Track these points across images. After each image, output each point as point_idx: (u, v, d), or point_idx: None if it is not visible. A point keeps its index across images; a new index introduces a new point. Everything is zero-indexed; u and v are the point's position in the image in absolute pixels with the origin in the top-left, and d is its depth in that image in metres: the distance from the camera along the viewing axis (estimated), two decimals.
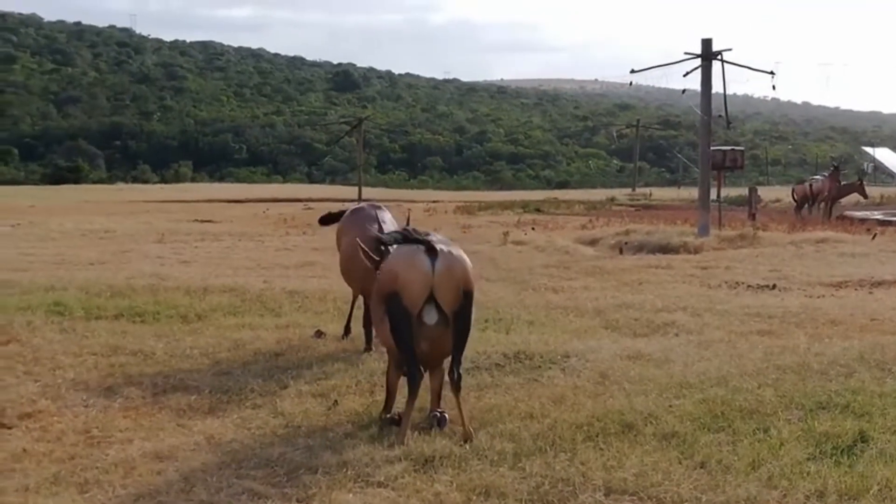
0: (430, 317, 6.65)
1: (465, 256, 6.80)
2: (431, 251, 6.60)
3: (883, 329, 10.12)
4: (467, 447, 6.33)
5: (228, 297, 12.84)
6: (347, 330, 10.29)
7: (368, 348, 9.55)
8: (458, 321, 6.69)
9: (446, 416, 7.00)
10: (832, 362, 8.32)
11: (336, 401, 7.58)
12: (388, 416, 7.09)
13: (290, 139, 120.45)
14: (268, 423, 7.10)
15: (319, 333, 10.21)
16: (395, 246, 7.09)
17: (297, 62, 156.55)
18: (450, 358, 6.77)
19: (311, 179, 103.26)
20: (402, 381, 6.92)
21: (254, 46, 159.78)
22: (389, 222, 9.71)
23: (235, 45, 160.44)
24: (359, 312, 10.08)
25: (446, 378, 6.87)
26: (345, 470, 6.00)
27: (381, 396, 7.52)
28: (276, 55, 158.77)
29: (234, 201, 44.07)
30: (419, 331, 6.63)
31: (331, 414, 7.25)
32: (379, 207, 10.08)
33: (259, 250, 20.99)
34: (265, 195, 50.89)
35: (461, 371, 6.78)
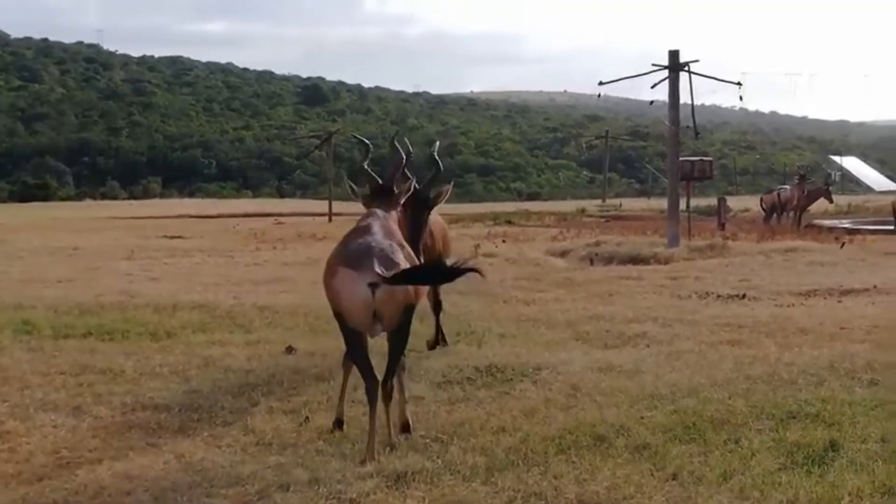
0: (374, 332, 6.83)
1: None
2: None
3: (852, 337, 10.15)
4: (440, 462, 6.32)
5: (198, 313, 12.73)
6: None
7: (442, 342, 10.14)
8: (396, 335, 6.81)
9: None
10: (802, 371, 8.36)
11: (307, 417, 7.55)
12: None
13: (259, 153, 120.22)
14: (238, 440, 7.05)
15: (290, 349, 10.17)
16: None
17: (266, 76, 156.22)
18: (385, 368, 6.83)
19: (282, 194, 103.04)
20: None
21: (222, 61, 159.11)
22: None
23: (204, 59, 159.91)
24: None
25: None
26: (317, 487, 5.96)
27: (353, 412, 7.52)
28: (245, 69, 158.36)
29: (204, 217, 43.90)
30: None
31: (302, 431, 7.21)
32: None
33: (229, 266, 20.90)
34: (235, 210, 50.76)
35: (394, 382, 6.90)
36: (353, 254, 6.74)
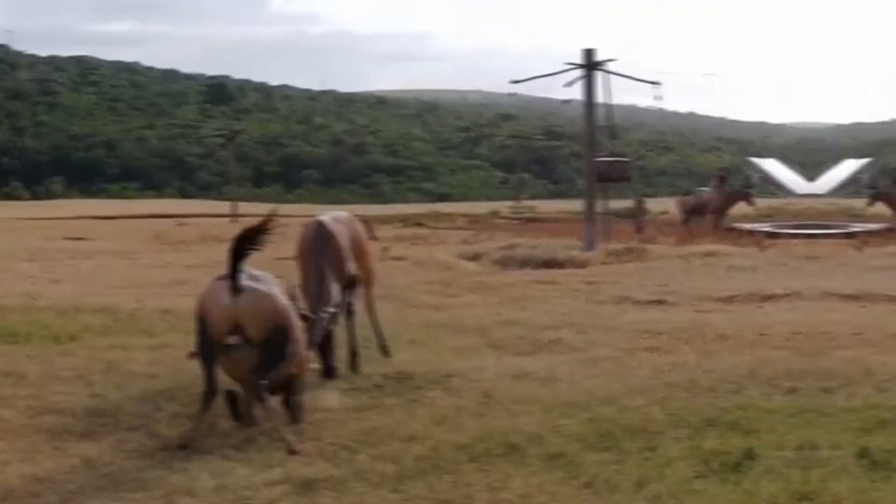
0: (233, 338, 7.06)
1: (275, 293, 7.21)
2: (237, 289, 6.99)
3: (772, 344, 10.18)
4: (348, 470, 6.13)
5: (101, 316, 12.46)
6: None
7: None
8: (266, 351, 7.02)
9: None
10: (721, 378, 8.34)
11: (213, 423, 7.30)
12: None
13: (163, 153, 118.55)
14: (144, 445, 6.88)
15: (193, 354, 9.85)
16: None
17: (170, 75, 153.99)
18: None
19: (185, 194, 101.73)
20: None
21: (128, 60, 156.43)
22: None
23: (110, 59, 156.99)
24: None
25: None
26: (223, 493, 5.85)
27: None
28: (151, 68, 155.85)
29: (107, 218, 43.07)
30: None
31: (207, 437, 6.98)
32: (338, 221, 9.74)
33: (131, 268, 20.49)
34: (138, 211, 49.92)
35: (262, 395, 7.00)
36: None
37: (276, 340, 7.07)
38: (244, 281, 7.06)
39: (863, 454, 6.19)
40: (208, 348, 7.17)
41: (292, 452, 6.59)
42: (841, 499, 5.51)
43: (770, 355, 9.37)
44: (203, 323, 7.21)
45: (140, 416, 7.59)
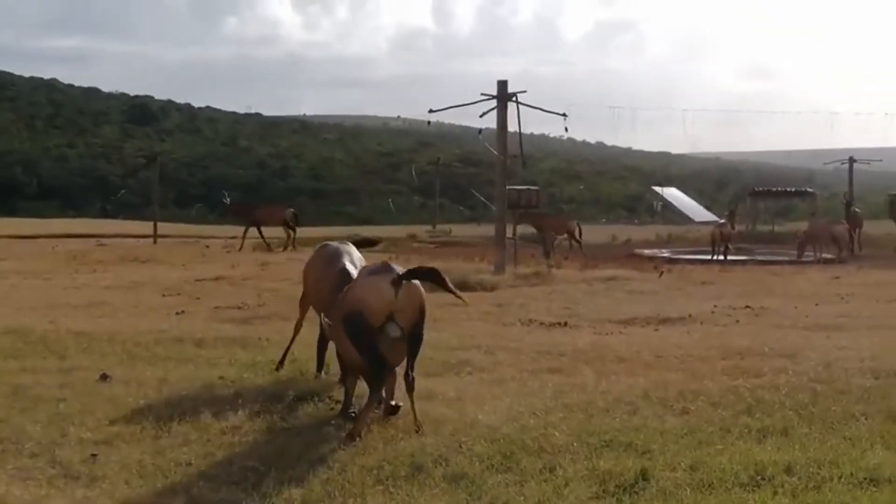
0: (394, 331, 7.70)
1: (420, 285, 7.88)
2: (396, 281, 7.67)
3: (667, 366, 10.42)
4: (255, 494, 6.21)
5: (10, 338, 12.24)
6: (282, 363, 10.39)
7: (319, 373, 9.85)
8: (414, 334, 7.79)
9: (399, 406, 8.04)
10: (617, 400, 8.55)
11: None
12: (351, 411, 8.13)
13: (83, 172, 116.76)
14: (45, 473, 6.80)
15: (105, 377, 9.85)
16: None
17: (92, 93, 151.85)
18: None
19: (106, 214, 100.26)
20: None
21: (46, 77, 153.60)
22: (355, 253, 9.85)
23: (27, 75, 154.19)
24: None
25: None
26: None
27: (166, 442, 7.41)
28: (70, 86, 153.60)
29: (22, 237, 42.28)
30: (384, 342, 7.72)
31: (111, 462, 6.98)
32: (344, 243, 10.18)
33: (45, 289, 20.17)
34: (55, 231, 48.98)
35: (414, 375, 7.82)
36: None
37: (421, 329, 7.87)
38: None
39: (754, 473, 6.45)
40: (370, 339, 7.73)
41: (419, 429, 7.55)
42: None
43: (664, 377, 9.60)
44: (362, 316, 7.71)
45: (43, 443, 7.46)
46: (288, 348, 10.51)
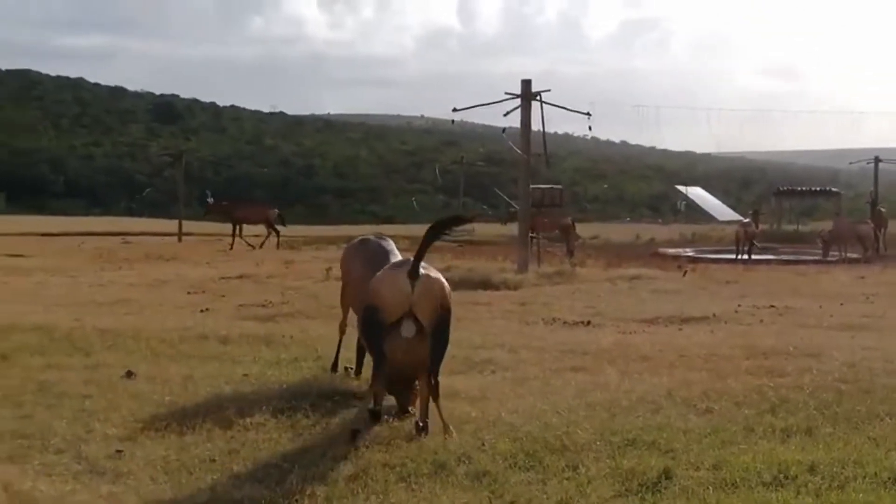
0: (408, 330, 7.47)
1: (442, 279, 7.74)
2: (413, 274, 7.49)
3: (690, 365, 10.39)
4: (278, 490, 6.24)
5: (36, 335, 12.31)
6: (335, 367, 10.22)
7: (357, 373, 9.78)
8: (436, 335, 7.51)
9: (428, 423, 7.58)
10: (640, 399, 8.54)
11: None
12: (374, 407, 7.83)
13: (109, 171, 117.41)
14: (70, 468, 6.82)
15: (130, 374, 9.92)
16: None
17: (118, 92, 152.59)
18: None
19: (132, 212, 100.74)
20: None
21: (72, 76, 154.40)
22: (396, 252, 9.54)
23: (54, 73, 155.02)
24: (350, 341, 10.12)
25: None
26: None
27: (190, 439, 7.47)
28: (97, 85, 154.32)
29: (49, 235, 42.56)
30: (398, 342, 7.48)
31: (137, 459, 7.02)
32: (384, 239, 9.86)
33: (72, 286, 20.30)
34: (82, 228, 49.30)
35: (438, 379, 7.60)
36: None
37: (444, 326, 7.60)
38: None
39: (778, 472, 6.44)
40: (380, 335, 7.57)
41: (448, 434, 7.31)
42: None
43: (688, 376, 9.57)
44: (377, 310, 7.58)
45: (69, 439, 7.51)
46: (338, 351, 10.31)
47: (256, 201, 41.59)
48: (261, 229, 38.61)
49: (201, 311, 15.45)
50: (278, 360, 10.70)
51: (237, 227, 36.20)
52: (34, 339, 12.03)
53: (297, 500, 6.09)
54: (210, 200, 39.68)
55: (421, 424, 7.60)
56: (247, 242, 35.42)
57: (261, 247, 34.50)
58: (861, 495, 5.99)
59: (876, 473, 6.40)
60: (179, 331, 12.69)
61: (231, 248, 34.26)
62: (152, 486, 6.45)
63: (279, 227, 37.30)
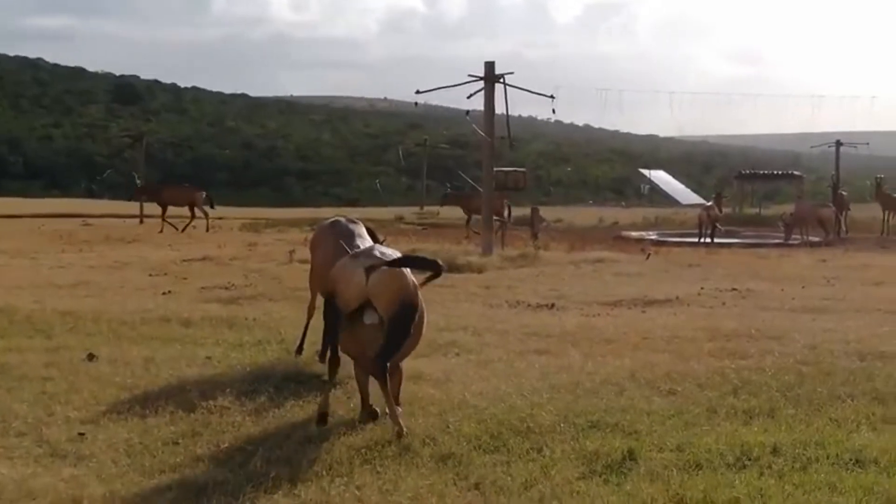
0: (370, 317, 7.34)
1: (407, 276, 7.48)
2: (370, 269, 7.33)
3: (653, 347, 10.45)
4: (242, 473, 6.22)
5: None
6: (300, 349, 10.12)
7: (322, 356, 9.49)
8: (391, 327, 7.27)
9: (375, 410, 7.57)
10: (604, 381, 8.57)
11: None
12: (365, 412, 7.60)
13: (69, 152, 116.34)
14: (31, 452, 6.80)
15: (91, 356, 9.83)
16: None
17: (77, 73, 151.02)
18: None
19: (92, 194, 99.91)
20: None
21: (31, 56, 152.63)
22: (365, 236, 9.51)
23: (12, 53, 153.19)
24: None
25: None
26: (113, 500, 5.84)
27: (153, 421, 7.43)
28: (56, 65, 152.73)
29: (8, 216, 42.11)
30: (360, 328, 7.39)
31: (99, 442, 6.97)
32: (354, 222, 9.79)
33: (32, 268, 20.11)
34: (42, 210, 48.87)
35: (382, 364, 7.20)
36: None
37: (402, 321, 7.34)
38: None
39: (741, 454, 6.48)
40: (336, 322, 7.50)
41: (400, 435, 6.96)
42: (717, 500, 5.74)
43: (651, 358, 9.63)
44: (333, 296, 7.54)
45: (30, 422, 7.47)
46: (304, 334, 10.23)
47: (183, 184, 41.59)
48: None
49: (163, 293, 15.34)
50: (241, 343, 10.66)
51: (164, 209, 36.12)
52: None
53: (261, 483, 6.04)
54: (138, 183, 39.78)
55: (368, 412, 7.60)
56: (171, 224, 35.24)
57: (183, 230, 34.29)
58: (823, 476, 6.03)
59: (838, 455, 6.45)
60: (141, 313, 12.61)
61: (161, 231, 34.05)
62: (114, 468, 6.41)
63: (208, 210, 37.16)
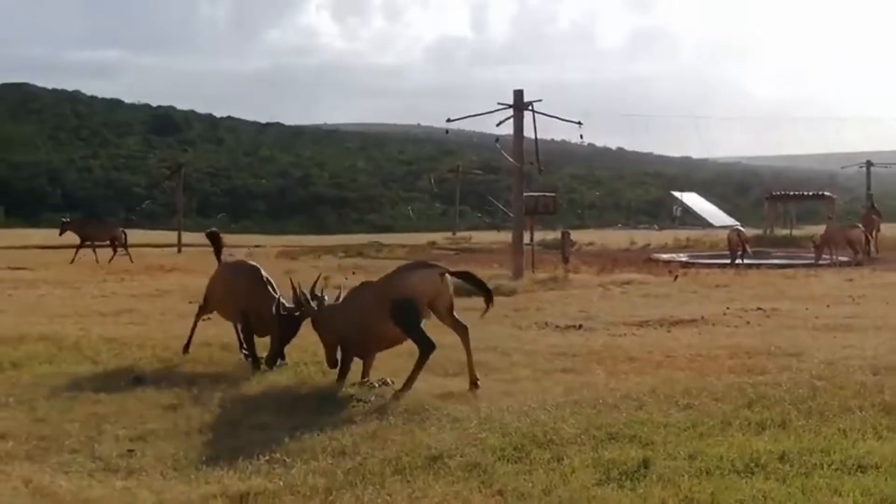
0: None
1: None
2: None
3: (676, 365, 10.83)
4: (281, 483, 6.65)
5: (44, 345, 12.74)
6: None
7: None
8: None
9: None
10: (625, 396, 8.96)
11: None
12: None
13: (107, 183, 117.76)
14: (85, 466, 7.26)
15: (137, 380, 10.33)
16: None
17: (114, 104, 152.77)
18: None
19: (130, 224, 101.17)
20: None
21: (69, 89, 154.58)
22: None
23: (50, 87, 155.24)
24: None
25: None
26: None
27: (197, 438, 7.94)
28: (94, 98, 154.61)
29: (49, 247, 42.87)
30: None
31: (148, 457, 7.43)
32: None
33: (75, 297, 20.67)
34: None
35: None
36: None
37: None
38: None
39: (749, 461, 6.86)
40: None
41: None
42: (723, 502, 6.12)
43: (672, 375, 10.01)
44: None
45: (83, 440, 7.92)
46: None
47: (105, 220, 42.68)
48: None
49: (203, 319, 15.80)
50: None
51: (88, 242, 36.95)
52: (42, 349, 12.45)
53: (299, 491, 6.48)
54: (65, 220, 41.18)
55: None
56: (95, 258, 35.85)
57: (109, 262, 34.94)
58: (825, 481, 6.39)
59: (842, 461, 6.80)
60: (183, 339, 13.07)
61: (72, 262, 34.61)
62: (163, 481, 6.85)
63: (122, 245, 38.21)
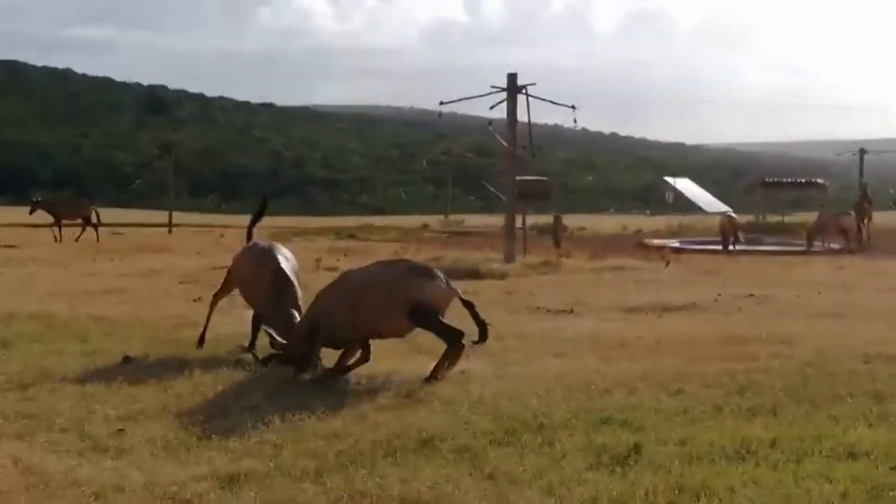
0: None
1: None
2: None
3: (667, 351, 10.79)
4: (272, 465, 6.64)
5: (34, 323, 12.76)
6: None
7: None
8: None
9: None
10: (617, 381, 8.94)
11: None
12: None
13: (97, 162, 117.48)
14: (75, 445, 7.24)
15: (127, 359, 10.31)
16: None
17: (105, 83, 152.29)
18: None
19: (120, 203, 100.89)
20: None
21: (60, 67, 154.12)
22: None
23: (41, 64, 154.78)
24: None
25: None
26: (152, 489, 6.23)
27: (188, 419, 7.89)
28: (84, 76, 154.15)
29: (39, 226, 42.78)
30: None
31: (138, 436, 7.41)
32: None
33: (65, 276, 20.66)
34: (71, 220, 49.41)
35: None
36: None
37: None
38: None
39: (741, 447, 6.86)
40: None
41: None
42: (714, 488, 6.12)
43: (664, 361, 9.97)
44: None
45: (72, 419, 7.91)
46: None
47: (76, 199, 42.59)
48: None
49: (194, 300, 15.77)
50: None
51: (59, 221, 36.86)
52: (33, 327, 12.46)
53: (290, 473, 6.47)
54: (36, 199, 40.83)
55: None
56: (56, 236, 35.76)
57: (77, 240, 34.89)
58: (816, 467, 6.39)
59: (833, 448, 6.80)
60: (173, 319, 13.09)
61: (57, 240, 34.64)
62: (153, 461, 6.83)
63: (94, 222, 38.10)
